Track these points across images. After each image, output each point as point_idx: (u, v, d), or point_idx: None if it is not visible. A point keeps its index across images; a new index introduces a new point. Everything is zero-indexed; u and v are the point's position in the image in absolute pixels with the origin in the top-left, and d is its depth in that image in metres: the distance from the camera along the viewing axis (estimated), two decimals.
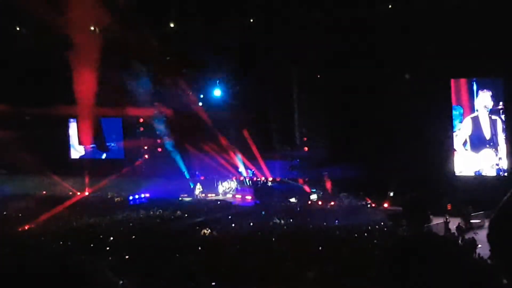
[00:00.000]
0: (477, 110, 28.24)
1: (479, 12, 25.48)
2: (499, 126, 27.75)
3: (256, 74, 32.54)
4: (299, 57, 30.79)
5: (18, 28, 33.94)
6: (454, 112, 28.79)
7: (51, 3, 28.32)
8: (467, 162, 28.59)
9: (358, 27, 28.26)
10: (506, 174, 27.56)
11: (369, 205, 28.42)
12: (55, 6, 28.46)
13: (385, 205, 28.07)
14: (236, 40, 31.17)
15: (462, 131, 28.70)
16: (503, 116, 27.66)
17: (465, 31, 25.72)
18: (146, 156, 37.86)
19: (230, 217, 26.76)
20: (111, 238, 23.03)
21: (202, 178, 36.08)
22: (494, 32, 25.33)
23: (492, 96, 27.81)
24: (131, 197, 33.50)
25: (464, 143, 28.70)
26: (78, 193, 36.41)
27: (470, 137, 28.52)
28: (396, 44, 27.71)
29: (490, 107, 27.86)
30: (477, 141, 28.32)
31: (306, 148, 33.23)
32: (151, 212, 29.23)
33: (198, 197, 34.55)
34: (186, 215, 28.24)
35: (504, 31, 25.02)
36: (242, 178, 35.30)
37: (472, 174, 28.48)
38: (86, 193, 36.49)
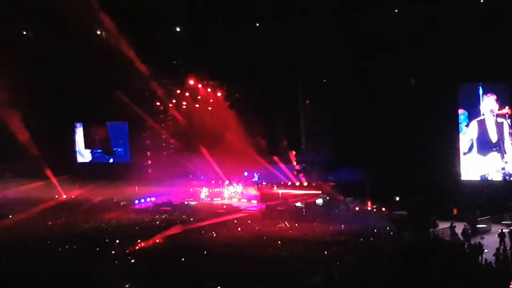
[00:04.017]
0: (483, 114, 28.16)
1: (486, 18, 25.48)
2: (506, 130, 27.66)
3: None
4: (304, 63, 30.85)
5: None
6: (460, 116, 28.72)
7: None
8: (473, 166, 28.48)
9: (365, 32, 28.26)
10: None
11: (375, 209, 28.29)
12: None
13: (391, 209, 27.94)
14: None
15: (468, 134, 28.61)
16: (509, 120, 27.57)
17: (471, 37, 25.70)
18: (149, 161, 37.86)
19: (236, 221, 26.74)
20: (117, 242, 23.07)
21: (207, 181, 36.03)
22: (500, 37, 25.31)
23: (497, 100, 27.74)
24: (136, 201, 33.52)
25: (470, 147, 28.60)
26: (84, 197, 36.41)
27: (476, 140, 28.42)
28: (403, 49, 27.69)
29: (496, 110, 27.78)
30: (483, 145, 28.21)
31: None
32: (157, 216, 29.24)
33: (204, 201, 34.47)
34: (191, 219, 28.20)
35: (510, 36, 25.00)
36: (248, 182, 35.21)
37: (478, 178, 28.35)
38: (92, 197, 36.47)
